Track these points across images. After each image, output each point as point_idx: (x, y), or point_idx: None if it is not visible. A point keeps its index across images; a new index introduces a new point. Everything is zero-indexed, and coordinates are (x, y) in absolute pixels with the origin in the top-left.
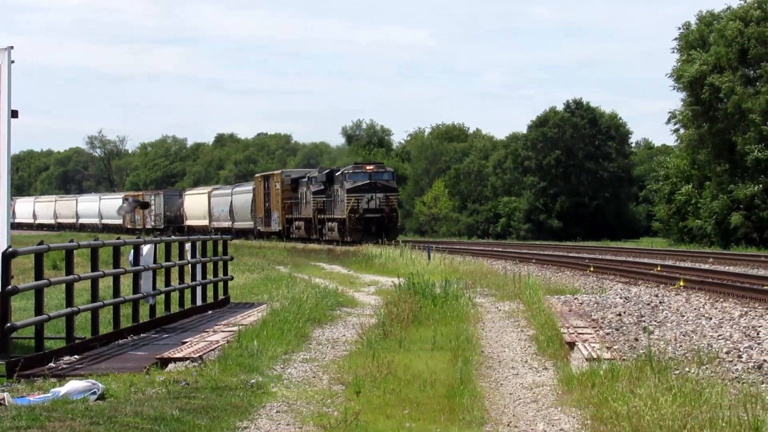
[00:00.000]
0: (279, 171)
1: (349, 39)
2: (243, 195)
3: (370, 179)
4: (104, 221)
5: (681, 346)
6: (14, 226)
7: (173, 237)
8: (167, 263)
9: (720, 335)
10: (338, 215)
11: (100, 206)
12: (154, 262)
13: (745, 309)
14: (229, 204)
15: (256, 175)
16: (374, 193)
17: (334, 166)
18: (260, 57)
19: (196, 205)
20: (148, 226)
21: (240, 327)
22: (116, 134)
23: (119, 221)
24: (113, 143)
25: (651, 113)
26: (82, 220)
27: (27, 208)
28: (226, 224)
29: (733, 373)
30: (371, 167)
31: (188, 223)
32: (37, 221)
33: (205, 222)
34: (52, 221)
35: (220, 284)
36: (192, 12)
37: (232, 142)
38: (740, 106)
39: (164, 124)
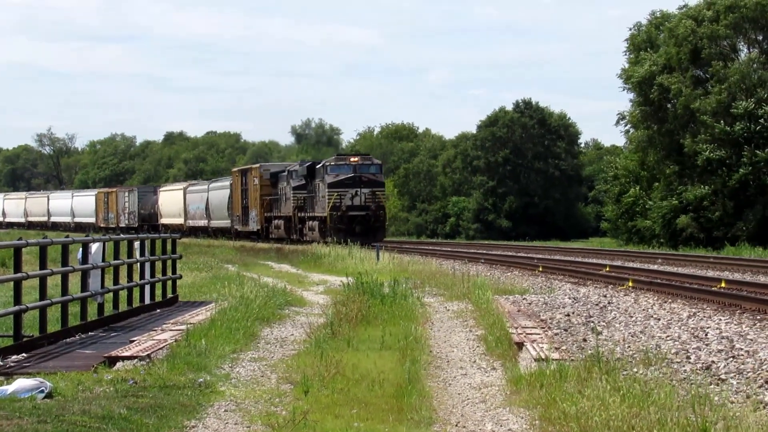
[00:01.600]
0: (258, 165)
1: (296, 38)
2: (220, 191)
3: (355, 172)
4: (77, 219)
5: (629, 346)
6: None
7: (122, 235)
8: (116, 261)
9: (668, 336)
10: (319, 213)
11: (73, 203)
12: (103, 260)
13: (694, 310)
14: (205, 201)
15: (234, 169)
16: (359, 188)
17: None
18: (208, 55)
19: (170, 202)
20: (122, 225)
21: (188, 326)
22: (65, 132)
23: (92, 220)
24: (62, 141)
25: (600, 114)
26: (53, 219)
27: None
28: (203, 223)
29: (681, 374)
30: (356, 159)
31: (163, 221)
32: (6, 219)
33: (181, 220)
34: (23, 219)
35: (169, 283)
36: (139, 10)
37: (182, 141)
38: (689, 107)
39: (113, 122)
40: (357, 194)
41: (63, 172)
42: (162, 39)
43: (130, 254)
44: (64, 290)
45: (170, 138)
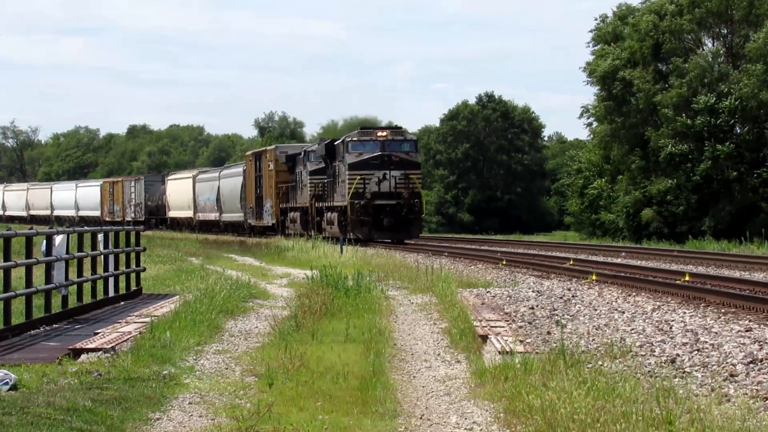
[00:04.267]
0: (273, 147)
1: (259, 31)
2: (232, 179)
3: (383, 150)
4: (81, 213)
5: (594, 339)
6: None
7: (85, 228)
8: (79, 254)
9: (633, 329)
10: (339, 202)
11: (77, 195)
12: (67, 252)
13: (658, 303)
14: (216, 191)
15: (247, 153)
16: (388, 170)
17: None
18: (171, 48)
19: (179, 192)
20: (128, 219)
21: (152, 318)
22: (28, 125)
23: (97, 213)
24: (26, 134)
25: (563, 107)
26: (57, 212)
27: None
28: (213, 216)
29: (646, 367)
30: (384, 133)
31: (171, 214)
32: (7, 213)
33: (190, 213)
34: (24, 213)
35: (133, 275)
36: (103, 3)
37: (145, 134)
38: (651, 101)
39: (77, 115)
40: (385, 178)
41: (26, 164)
42: (126, 32)
43: (93, 246)
44: (29, 282)
45: (133, 131)
